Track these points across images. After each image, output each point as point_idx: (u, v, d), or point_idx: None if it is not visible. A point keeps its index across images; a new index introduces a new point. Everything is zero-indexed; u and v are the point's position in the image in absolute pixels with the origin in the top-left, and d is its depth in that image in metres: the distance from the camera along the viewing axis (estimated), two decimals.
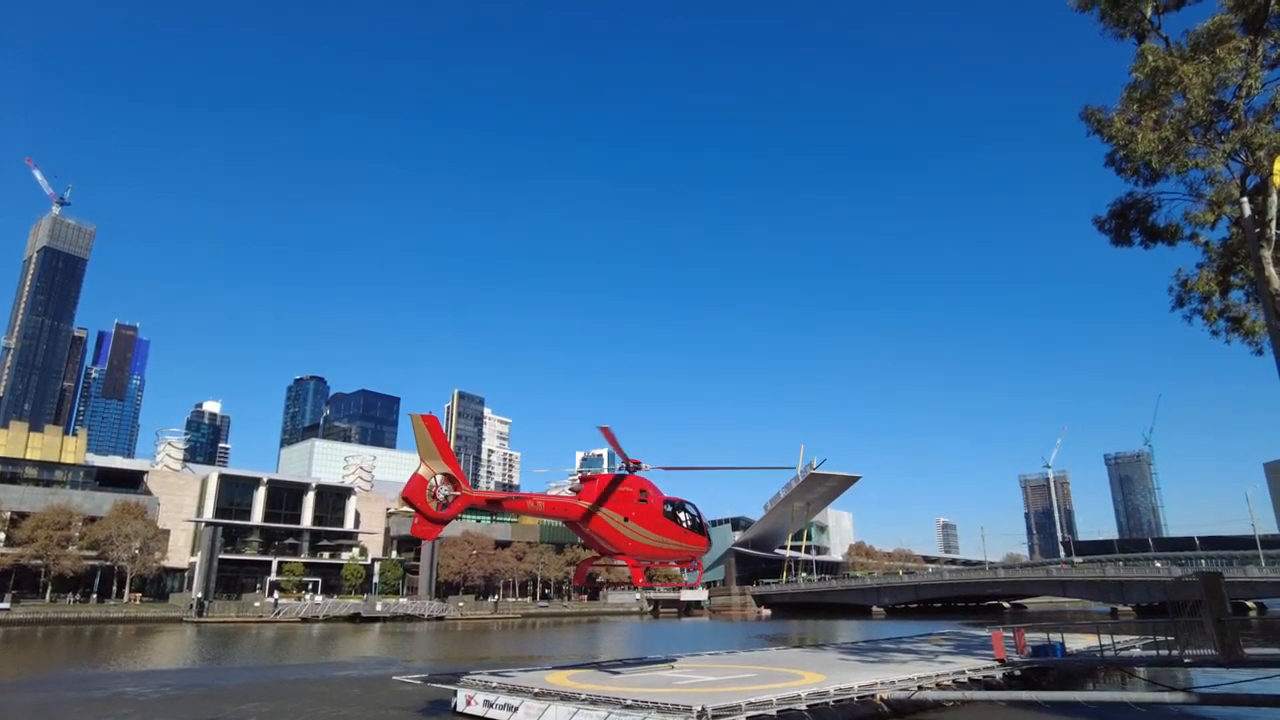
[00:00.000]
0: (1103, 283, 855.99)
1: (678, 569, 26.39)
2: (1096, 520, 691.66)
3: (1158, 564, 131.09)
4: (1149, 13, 28.36)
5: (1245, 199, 27.92)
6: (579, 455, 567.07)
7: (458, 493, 19.80)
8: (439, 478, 19.66)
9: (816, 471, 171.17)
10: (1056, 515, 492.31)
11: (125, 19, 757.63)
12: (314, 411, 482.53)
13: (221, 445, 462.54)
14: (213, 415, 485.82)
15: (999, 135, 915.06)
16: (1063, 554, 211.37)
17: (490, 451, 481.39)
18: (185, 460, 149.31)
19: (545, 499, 22.22)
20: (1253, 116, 26.99)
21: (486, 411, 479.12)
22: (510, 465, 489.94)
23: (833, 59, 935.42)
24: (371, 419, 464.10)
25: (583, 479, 22.78)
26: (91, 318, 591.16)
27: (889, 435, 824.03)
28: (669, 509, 24.06)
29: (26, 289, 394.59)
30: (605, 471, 23.15)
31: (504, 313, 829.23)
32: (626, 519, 22.41)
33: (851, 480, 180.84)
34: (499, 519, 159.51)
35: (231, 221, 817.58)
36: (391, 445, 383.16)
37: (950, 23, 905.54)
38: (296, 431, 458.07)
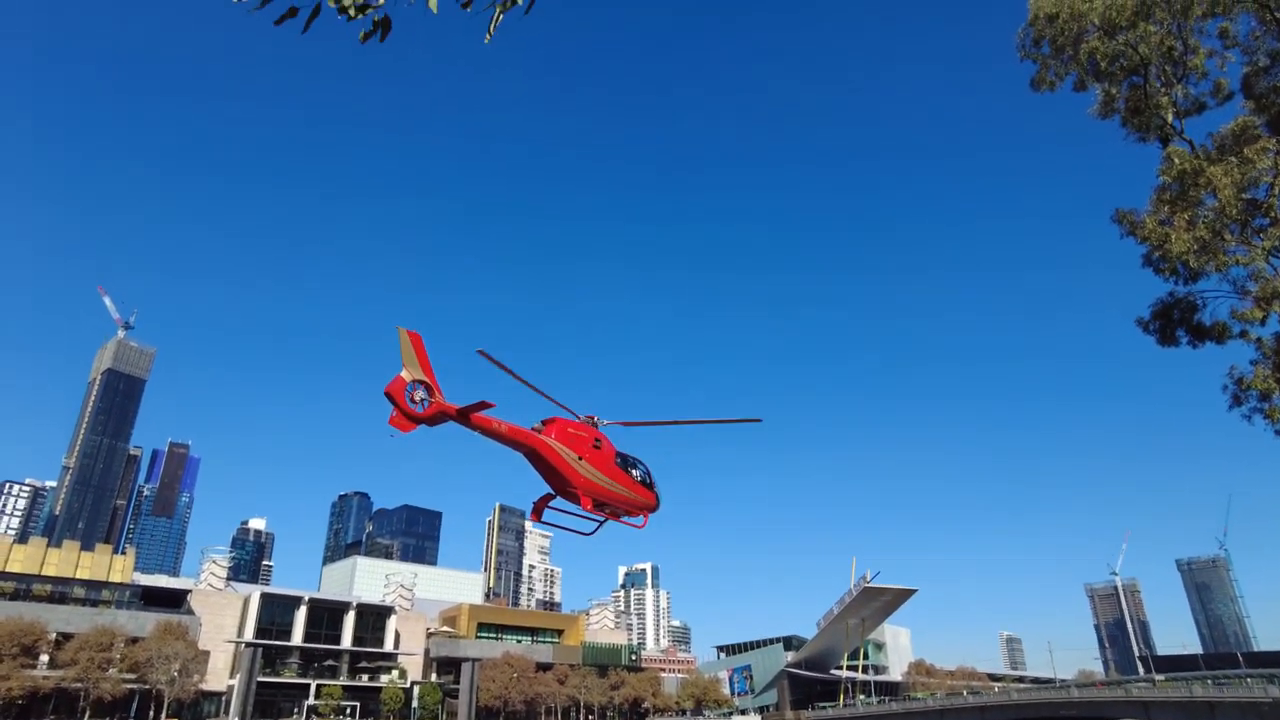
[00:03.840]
0: (1159, 375, 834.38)
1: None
2: (1176, 632, 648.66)
3: (1251, 682, 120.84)
4: (1170, 118, 28.87)
5: None
6: (621, 570, 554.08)
7: (432, 399, 22.11)
8: (416, 383, 21.76)
9: (870, 585, 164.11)
10: (1130, 627, 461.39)
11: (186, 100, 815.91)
12: (357, 527, 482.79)
13: (265, 563, 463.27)
14: (257, 532, 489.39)
15: (1037, 209, 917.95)
16: (1141, 670, 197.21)
17: (531, 567, 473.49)
18: (229, 578, 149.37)
19: (509, 425, 24.19)
20: None
21: (527, 525, 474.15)
22: (551, 581, 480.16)
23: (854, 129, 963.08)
24: (414, 534, 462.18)
25: (544, 421, 25.46)
26: (145, 435, 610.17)
27: (944, 545, 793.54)
28: (620, 460, 27.05)
29: (89, 409, 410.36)
30: (565, 417, 26.06)
31: None
32: (580, 457, 25.23)
33: (908, 594, 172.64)
34: (540, 639, 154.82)
35: (278, 322, 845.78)
36: (433, 562, 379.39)
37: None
38: (339, 548, 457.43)
